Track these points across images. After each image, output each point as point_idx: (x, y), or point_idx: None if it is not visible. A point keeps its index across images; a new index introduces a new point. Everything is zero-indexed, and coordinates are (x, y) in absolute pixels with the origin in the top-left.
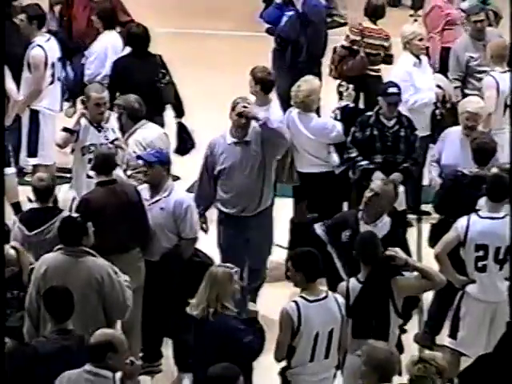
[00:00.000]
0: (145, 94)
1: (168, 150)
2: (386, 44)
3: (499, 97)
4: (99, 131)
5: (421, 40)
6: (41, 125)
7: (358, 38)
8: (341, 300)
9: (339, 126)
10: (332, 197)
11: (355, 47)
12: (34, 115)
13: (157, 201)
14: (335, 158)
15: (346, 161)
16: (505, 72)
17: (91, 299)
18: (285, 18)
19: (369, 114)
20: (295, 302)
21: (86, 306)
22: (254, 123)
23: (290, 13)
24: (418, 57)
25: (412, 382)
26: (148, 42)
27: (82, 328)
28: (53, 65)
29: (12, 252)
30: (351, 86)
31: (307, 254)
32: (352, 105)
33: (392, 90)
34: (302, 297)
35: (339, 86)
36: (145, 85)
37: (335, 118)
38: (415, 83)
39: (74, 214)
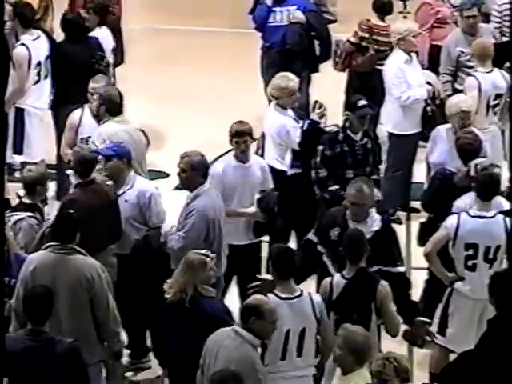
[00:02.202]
0: (83, 77)
1: (131, 146)
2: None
3: (481, 97)
4: (99, 124)
5: (414, 36)
6: (26, 123)
7: (367, 35)
8: (317, 301)
9: (297, 133)
10: (285, 196)
11: (364, 44)
12: (19, 113)
13: (121, 194)
14: (288, 160)
15: (317, 181)
16: (489, 72)
17: (81, 297)
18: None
19: (334, 130)
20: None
21: (74, 303)
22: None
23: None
24: (409, 54)
25: (372, 375)
26: (82, 27)
27: (70, 326)
28: (39, 63)
29: None
30: (324, 106)
31: (281, 252)
32: (321, 123)
33: (362, 102)
34: (273, 293)
35: (316, 102)
36: (82, 68)
37: (301, 127)
38: (407, 80)
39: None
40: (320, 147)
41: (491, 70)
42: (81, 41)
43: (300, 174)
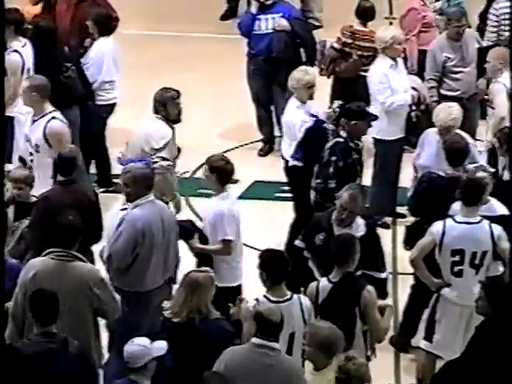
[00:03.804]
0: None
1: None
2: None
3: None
4: (32, 123)
5: (399, 44)
6: (16, 130)
7: (350, 41)
8: (306, 304)
9: (302, 128)
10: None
11: (347, 49)
12: (9, 121)
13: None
14: (291, 150)
15: (324, 192)
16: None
17: (82, 303)
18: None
19: (340, 140)
20: (257, 300)
21: (76, 310)
22: None
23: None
24: (394, 59)
25: None
26: (53, 35)
27: (71, 331)
28: (28, 70)
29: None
30: (339, 103)
31: (273, 257)
32: (327, 124)
33: (370, 109)
34: (264, 296)
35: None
36: (50, 76)
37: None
38: (391, 85)
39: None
40: (333, 158)
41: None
42: (51, 49)
43: (299, 167)
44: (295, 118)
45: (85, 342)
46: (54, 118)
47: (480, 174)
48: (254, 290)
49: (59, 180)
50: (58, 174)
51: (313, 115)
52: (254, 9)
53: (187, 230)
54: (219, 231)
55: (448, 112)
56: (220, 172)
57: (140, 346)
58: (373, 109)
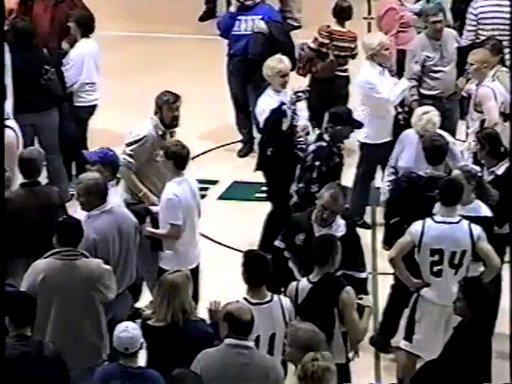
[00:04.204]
0: (27, 89)
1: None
2: (352, 45)
3: (498, 106)
4: None
5: (387, 49)
6: None
7: (327, 41)
8: (287, 305)
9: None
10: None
11: (323, 50)
12: None
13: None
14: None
15: (306, 196)
16: (493, 81)
17: (94, 297)
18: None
19: (323, 144)
20: (237, 302)
21: (89, 304)
22: None
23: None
24: (381, 65)
25: None
26: (32, 38)
27: (84, 329)
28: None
29: None
30: (304, 87)
31: (255, 259)
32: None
33: (354, 114)
34: (245, 298)
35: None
36: (31, 79)
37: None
38: (380, 88)
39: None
40: (316, 163)
41: (494, 79)
42: (30, 51)
43: (262, 153)
44: (263, 106)
45: (98, 337)
46: (5, 126)
47: (455, 173)
48: (236, 292)
49: (21, 182)
50: (22, 176)
51: (283, 103)
52: (233, 8)
53: (139, 215)
54: (167, 215)
55: (426, 119)
56: (176, 157)
57: (136, 328)
58: (359, 113)
